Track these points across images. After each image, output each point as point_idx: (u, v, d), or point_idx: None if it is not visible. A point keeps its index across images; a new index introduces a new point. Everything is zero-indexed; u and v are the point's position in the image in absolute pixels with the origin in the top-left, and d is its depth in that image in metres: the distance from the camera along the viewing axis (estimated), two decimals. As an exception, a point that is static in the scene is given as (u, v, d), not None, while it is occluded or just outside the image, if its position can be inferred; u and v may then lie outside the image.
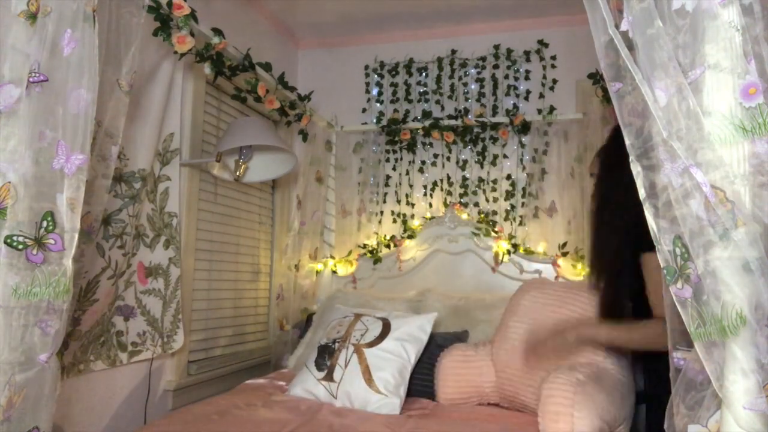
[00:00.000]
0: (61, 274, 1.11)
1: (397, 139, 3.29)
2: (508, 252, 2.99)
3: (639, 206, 1.60)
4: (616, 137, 1.83)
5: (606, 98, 2.71)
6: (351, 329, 2.30)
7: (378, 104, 3.40)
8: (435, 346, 2.35)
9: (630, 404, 1.87)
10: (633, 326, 1.66)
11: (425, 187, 3.28)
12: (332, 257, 3.29)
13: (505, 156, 3.18)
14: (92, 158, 1.47)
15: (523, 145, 3.14)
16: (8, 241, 1.04)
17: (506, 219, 3.12)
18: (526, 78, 3.20)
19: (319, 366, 2.23)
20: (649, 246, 1.53)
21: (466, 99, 3.28)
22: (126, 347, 2.05)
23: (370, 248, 3.24)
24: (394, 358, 2.18)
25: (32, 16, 1.10)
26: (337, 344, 2.26)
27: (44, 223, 1.09)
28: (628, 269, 1.64)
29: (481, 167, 3.20)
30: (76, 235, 1.14)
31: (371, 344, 2.22)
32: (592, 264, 1.84)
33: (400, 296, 2.90)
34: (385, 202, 3.32)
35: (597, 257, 1.79)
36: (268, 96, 2.58)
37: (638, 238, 1.53)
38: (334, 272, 3.24)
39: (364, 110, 3.42)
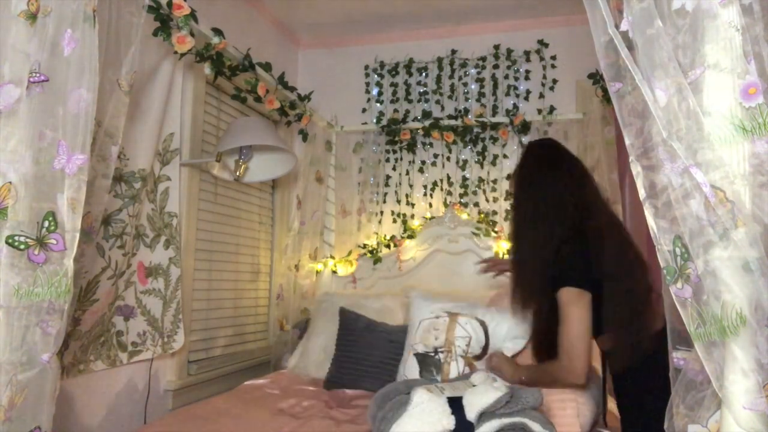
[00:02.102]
0: (63, 274, 1.10)
1: (397, 139, 3.29)
2: (509, 252, 2.98)
3: (553, 236, 1.66)
4: (528, 155, 1.86)
5: (606, 98, 2.72)
6: (451, 336, 2.16)
7: (378, 104, 3.41)
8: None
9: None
10: (536, 371, 1.79)
11: (425, 187, 3.29)
12: (332, 257, 3.29)
13: (505, 156, 3.18)
14: (92, 158, 1.47)
15: (523, 145, 3.14)
16: (9, 241, 1.04)
17: (506, 219, 3.12)
18: (526, 78, 3.21)
19: (425, 379, 2.09)
20: (563, 282, 1.58)
21: (466, 99, 3.28)
22: (126, 347, 2.05)
23: (370, 248, 3.24)
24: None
25: (32, 16, 1.10)
26: (441, 355, 2.13)
27: (45, 223, 1.09)
28: (552, 302, 1.67)
29: (481, 167, 3.20)
30: (78, 235, 1.14)
31: (479, 356, 2.10)
32: (517, 295, 1.80)
33: (388, 292, 2.89)
34: (385, 202, 3.33)
35: (522, 289, 1.78)
36: (268, 96, 2.59)
37: (554, 274, 1.64)
38: (334, 272, 3.24)
39: (364, 110, 3.42)
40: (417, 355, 2.17)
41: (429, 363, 2.12)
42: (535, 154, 1.85)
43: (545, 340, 1.71)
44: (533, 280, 1.72)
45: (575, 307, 1.60)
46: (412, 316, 2.37)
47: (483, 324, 2.18)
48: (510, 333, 2.14)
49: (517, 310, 1.81)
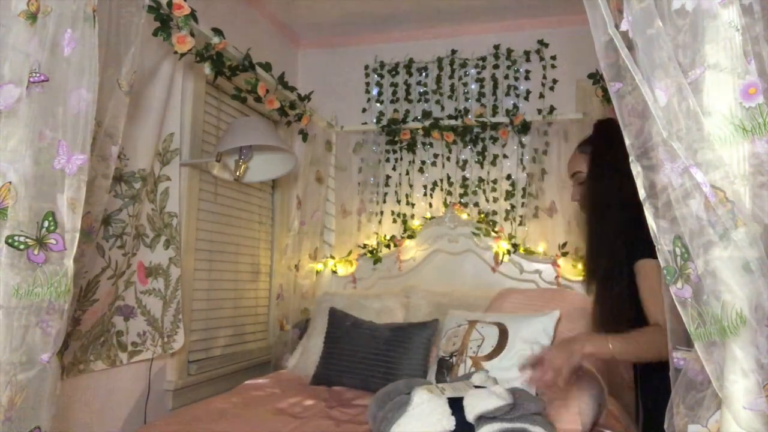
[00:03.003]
0: (63, 275, 1.10)
1: (397, 139, 3.30)
2: (508, 252, 2.99)
3: (637, 205, 1.59)
4: (602, 130, 1.78)
5: (606, 98, 2.71)
6: (467, 340, 2.18)
7: (378, 104, 3.41)
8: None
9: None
10: (635, 336, 1.47)
11: (425, 187, 3.29)
12: (332, 257, 3.29)
13: (505, 156, 3.18)
14: (92, 158, 1.47)
15: (523, 145, 3.14)
16: (9, 241, 1.04)
17: (506, 219, 3.12)
18: (526, 78, 3.20)
19: (439, 382, 2.10)
20: (644, 253, 1.48)
21: (466, 99, 3.28)
22: (126, 347, 2.05)
23: (370, 248, 3.24)
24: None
25: (32, 16, 1.10)
26: (454, 358, 2.16)
27: (45, 223, 1.09)
28: (627, 273, 1.56)
29: (481, 167, 3.20)
30: (77, 235, 1.14)
31: (490, 356, 2.09)
32: (590, 267, 1.73)
33: (388, 292, 2.90)
34: (385, 202, 3.33)
35: (594, 259, 1.70)
36: (268, 96, 2.58)
37: (635, 244, 1.52)
38: (334, 272, 3.24)
39: (364, 110, 3.42)
40: (438, 360, 2.23)
41: (443, 366, 2.18)
42: (609, 134, 1.70)
43: (617, 312, 1.58)
44: (611, 260, 1.61)
45: (652, 278, 1.48)
46: (443, 326, 2.40)
47: (500, 326, 2.17)
48: (533, 336, 2.08)
49: (591, 290, 1.70)
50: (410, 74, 3.36)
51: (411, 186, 3.31)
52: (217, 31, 2.16)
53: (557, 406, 1.76)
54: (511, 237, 3.07)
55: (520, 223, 3.09)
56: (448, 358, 2.20)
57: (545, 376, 1.47)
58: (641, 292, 1.54)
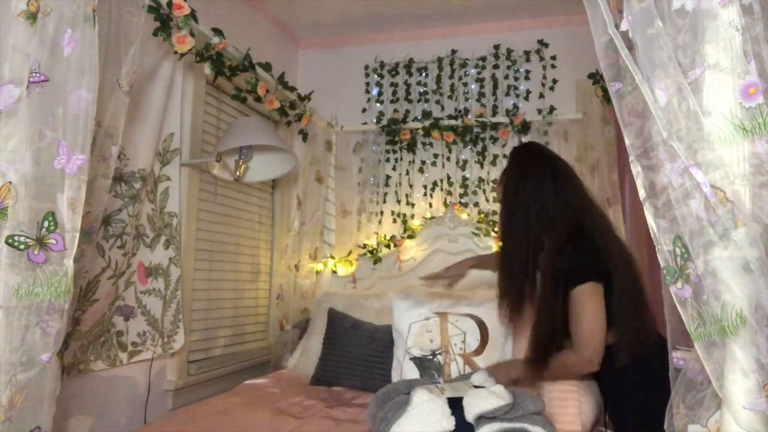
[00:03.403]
0: (63, 275, 1.11)
1: (397, 139, 3.30)
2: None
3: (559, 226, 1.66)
4: (515, 154, 1.89)
5: (606, 98, 2.72)
6: (445, 335, 2.11)
7: (378, 104, 3.41)
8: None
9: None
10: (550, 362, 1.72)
11: (425, 187, 3.29)
12: (332, 257, 3.29)
13: (505, 156, 3.17)
14: (92, 158, 1.47)
15: (523, 145, 3.14)
16: (9, 241, 1.04)
17: (506, 219, 3.12)
18: (526, 78, 3.20)
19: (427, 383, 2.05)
20: (575, 281, 1.60)
21: (466, 99, 3.28)
22: (126, 347, 2.05)
23: (370, 248, 3.24)
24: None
25: (32, 16, 1.10)
26: (440, 357, 2.09)
27: (45, 223, 1.09)
28: (563, 298, 1.66)
29: (481, 167, 3.20)
30: (77, 235, 1.14)
31: (477, 352, 2.06)
32: (504, 304, 1.81)
33: (387, 292, 2.88)
34: (385, 202, 3.32)
35: (510, 299, 1.79)
36: (268, 96, 2.58)
37: (565, 276, 1.63)
38: (334, 272, 3.24)
39: (364, 110, 3.42)
40: (414, 359, 2.13)
41: (428, 366, 2.10)
42: (517, 160, 1.87)
43: (551, 340, 1.70)
44: (521, 290, 1.74)
45: (591, 300, 1.61)
46: (397, 319, 2.33)
47: (474, 317, 2.15)
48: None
49: (504, 321, 1.83)
50: (410, 74, 3.36)
51: (411, 186, 3.31)
52: (217, 31, 2.16)
53: (557, 406, 1.75)
54: (511, 237, 3.06)
55: (520, 223, 3.09)
56: (430, 357, 2.10)
57: None
58: (570, 316, 1.64)
